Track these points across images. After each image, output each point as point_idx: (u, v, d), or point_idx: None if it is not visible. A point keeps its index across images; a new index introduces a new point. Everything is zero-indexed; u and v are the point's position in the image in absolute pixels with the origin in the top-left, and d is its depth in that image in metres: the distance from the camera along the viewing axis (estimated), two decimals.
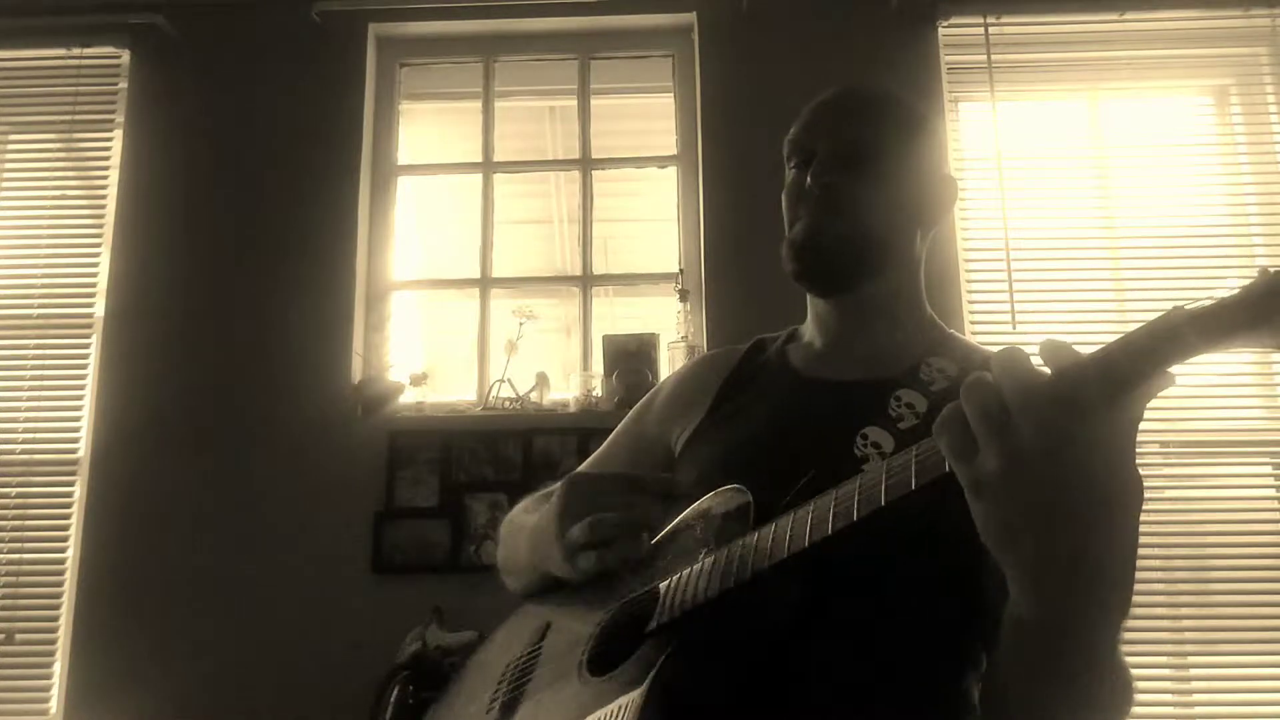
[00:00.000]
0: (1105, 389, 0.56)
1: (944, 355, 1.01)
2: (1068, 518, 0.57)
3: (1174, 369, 0.56)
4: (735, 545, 0.79)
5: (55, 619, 2.60)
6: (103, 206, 2.85)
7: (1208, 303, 0.55)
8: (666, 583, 0.85)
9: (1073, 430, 0.56)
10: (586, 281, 2.91)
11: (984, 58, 2.80)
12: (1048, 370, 0.58)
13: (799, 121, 1.12)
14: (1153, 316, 0.60)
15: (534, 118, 3.38)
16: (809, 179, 1.03)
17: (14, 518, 2.68)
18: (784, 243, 1.06)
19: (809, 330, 1.12)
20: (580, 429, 2.57)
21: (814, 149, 1.06)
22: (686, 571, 0.83)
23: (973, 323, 2.66)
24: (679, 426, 1.10)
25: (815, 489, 0.75)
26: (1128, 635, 2.58)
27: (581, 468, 1.19)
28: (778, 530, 0.76)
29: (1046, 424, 0.56)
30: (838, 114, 1.09)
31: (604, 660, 0.84)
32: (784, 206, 1.09)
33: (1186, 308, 0.57)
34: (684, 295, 2.74)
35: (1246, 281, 0.55)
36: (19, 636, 2.60)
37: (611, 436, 1.21)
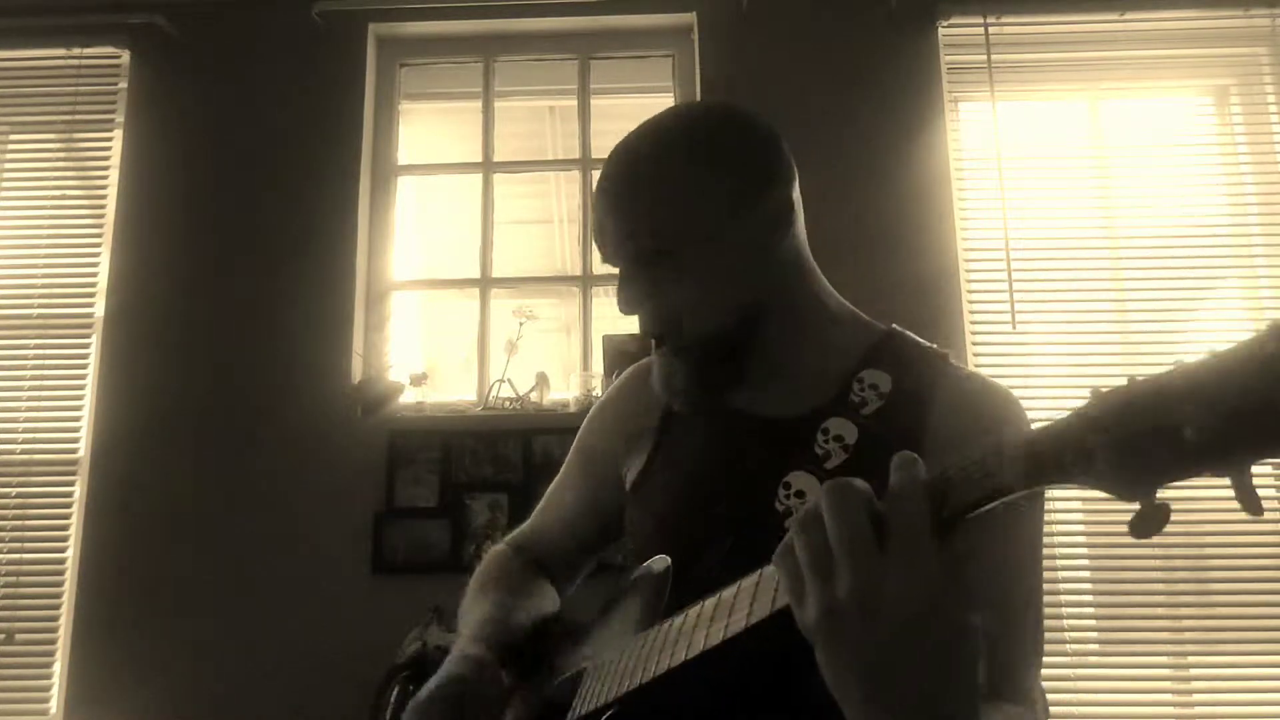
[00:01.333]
0: (926, 532, 0.52)
1: (880, 364, 0.92)
2: (892, 674, 0.52)
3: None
4: (632, 649, 0.78)
5: (55, 619, 2.60)
6: (103, 206, 2.85)
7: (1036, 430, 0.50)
8: (583, 681, 0.88)
9: (895, 589, 0.51)
10: (586, 281, 2.91)
11: (984, 58, 2.80)
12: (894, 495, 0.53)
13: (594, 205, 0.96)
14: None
15: (534, 118, 3.39)
16: (619, 301, 0.93)
17: (14, 518, 2.68)
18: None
19: None
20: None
21: (612, 258, 0.94)
22: (596, 673, 0.84)
23: (973, 323, 2.66)
24: (628, 459, 1.05)
25: (733, 559, 0.72)
26: (1128, 635, 2.58)
27: (538, 508, 1.21)
28: (657, 641, 0.75)
29: (865, 580, 0.51)
30: (608, 201, 0.92)
31: None
32: None
33: (1010, 439, 0.51)
34: None
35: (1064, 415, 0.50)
36: (19, 636, 2.60)
37: (563, 472, 1.17)
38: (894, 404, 0.88)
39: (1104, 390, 0.47)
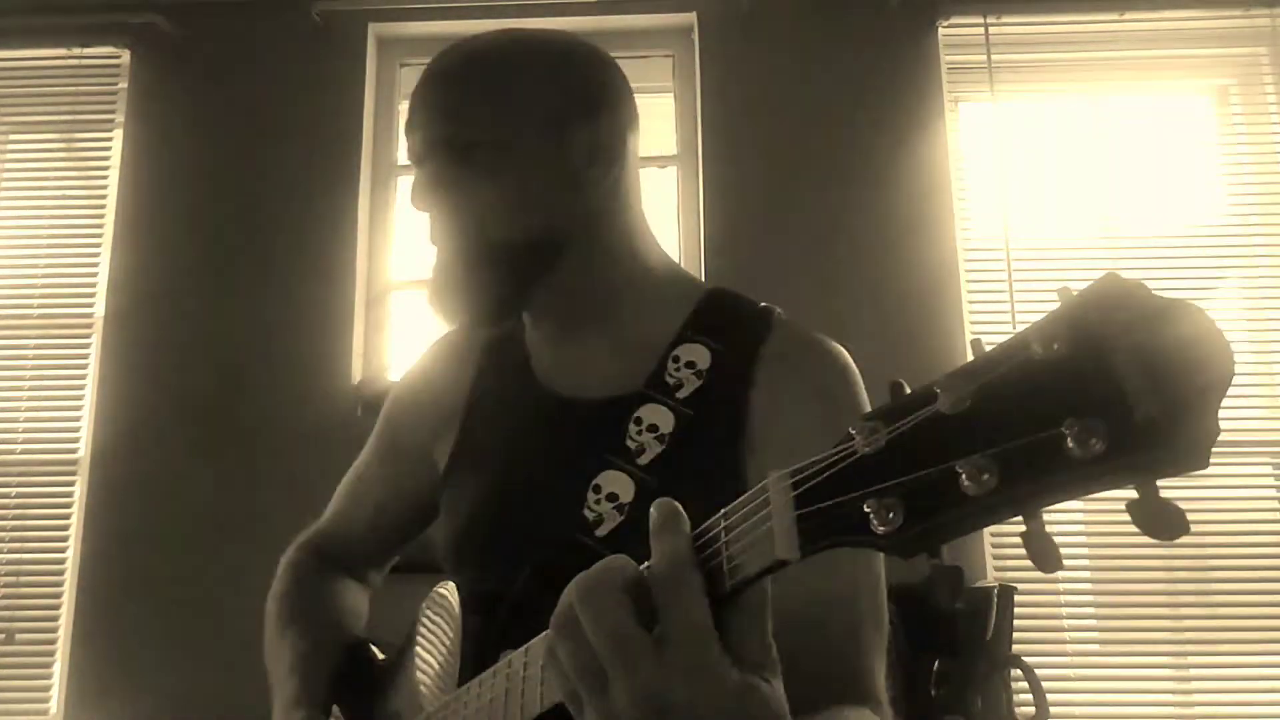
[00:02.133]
0: (702, 623, 0.46)
1: (698, 335, 0.85)
2: None
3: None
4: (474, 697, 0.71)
5: (55, 619, 2.60)
6: (103, 206, 2.85)
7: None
8: None
9: (679, 691, 0.45)
10: None
11: (984, 58, 2.79)
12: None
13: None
14: None
15: None
16: (412, 195, 0.86)
17: (14, 518, 2.67)
18: None
19: (534, 327, 0.95)
20: None
21: (417, 157, 0.87)
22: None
23: (973, 325, 2.66)
24: (439, 442, 0.97)
25: (537, 583, 0.68)
26: (1128, 635, 2.59)
27: (338, 493, 1.11)
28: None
29: (643, 688, 0.46)
30: (420, 103, 0.87)
31: None
32: None
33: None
34: None
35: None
36: (19, 636, 2.60)
37: (366, 453, 1.08)
38: (713, 383, 0.81)
39: (868, 423, 0.41)
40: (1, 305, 2.83)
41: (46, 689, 2.56)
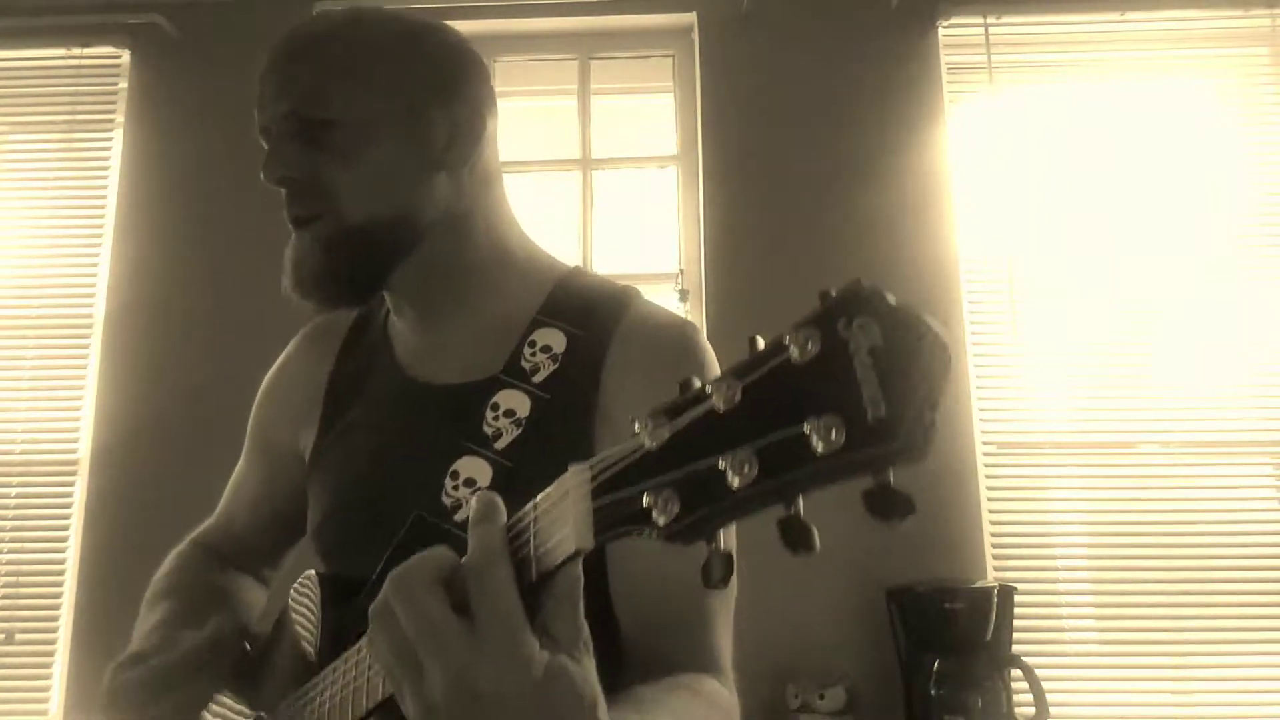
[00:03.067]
0: (512, 608, 0.48)
1: (555, 318, 0.86)
2: None
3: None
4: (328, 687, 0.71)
5: (55, 619, 2.60)
6: (103, 206, 2.85)
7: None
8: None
9: (489, 675, 0.47)
10: None
11: (984, 58, 2.80)
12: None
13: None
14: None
15: (534, 118, 3.38)
16: (262, 173, 0.86)
17: (14, 518, 2.68)
18: None
19: (395, 312, 0.95)
20: None
21: (268, 131, 0.86)
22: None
23: (973, 325, 2.66)
24: (299, 431, 0.98)
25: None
26: (1128, 635, 2.58)
27: (225, 492, 1.13)
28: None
29: (456, 673, 0.48)
30: (271, 77, 0.87)
31: None
32: None
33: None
34: (684, 295, 2.74)
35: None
36: (19, 636, 2.60)
37: (243, 453, 1.09)
38: (568, 366, 0.82)
39: (653, 419, 0.44)
40: (1, 305, 2.83)
41: (46, 689, 2.56)
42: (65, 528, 2.65)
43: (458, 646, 0.48)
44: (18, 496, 2.69)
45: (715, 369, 0.85)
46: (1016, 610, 2.35)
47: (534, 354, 0.83)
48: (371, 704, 0.60)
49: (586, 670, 0.51)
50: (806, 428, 0.38)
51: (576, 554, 0.48)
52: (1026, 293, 2.68)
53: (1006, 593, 2.33)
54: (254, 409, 1.08)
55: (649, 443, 0.44)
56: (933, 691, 2.20)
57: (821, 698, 2.26)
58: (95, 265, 2.82)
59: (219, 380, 2.69)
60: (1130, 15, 2.80)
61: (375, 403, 0.92)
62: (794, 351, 0.39)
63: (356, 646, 0.65)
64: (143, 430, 2.65)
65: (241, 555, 1.10)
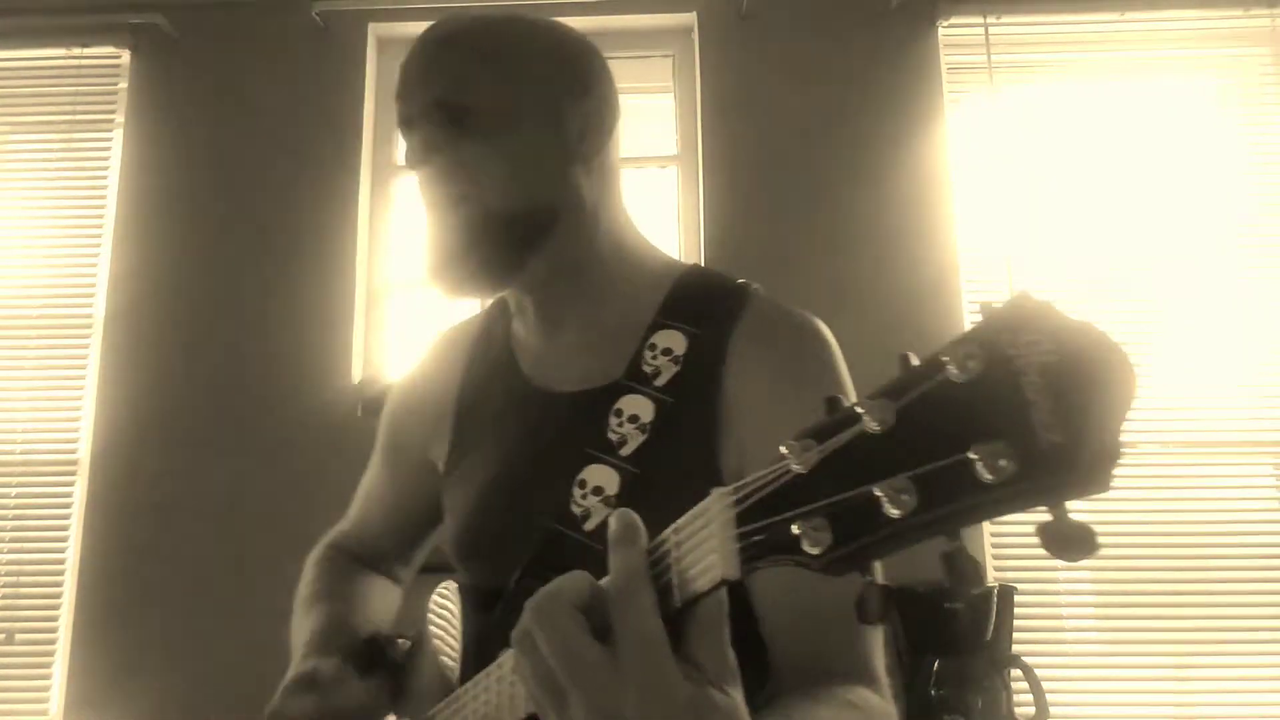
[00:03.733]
0: (655, 637, 0.46)
1: (674, 320, 0.85)
2: None
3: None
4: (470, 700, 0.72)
5: (55, 619, 2.60)
6: (103, 206, 2.85)
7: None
8: None
9: (634, 704, 0.45)
10: None
11: (984, 58, 2.80)
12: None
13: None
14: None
15: None
16: (405, 162, 0.86)
17: (14, 518, 2.67)
18: None
19: (515, 313, 0.96)
20: None
21: (409, 120, 0.87)
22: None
23: (973, 323, 2.66)
24: (432, 441, 0.99)
25: (531, 580, 0.69)
26: (1128, 635, 2.58)
27: (356, 496, 1.14)
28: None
29: (599, 702, 0.46)
30: (416, 68, 0.88)
31: None
32: None
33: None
34: None
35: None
36: (19, 636, 2.60)
37: (373, 460, 1.11)
38: (689, 369, 0.82)
39: (800, 441, 0.41)
40: (1, 305, 2.83)
41: (46, 689, 2.56)
42: (65, 528, 2.65)
43: (600, 675, 0.46)
44: (18, 496, 2.69)
45: (841, 365, 0.84)
46: (1016, 610, 2.35)
47: (655, 357, 0.83)
48: (516, 717, 0.59)
49: (735, 702, 0.49)
50: (972, 454, 0.34)
51: (722, 583, 0.46)
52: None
53: (1006, 593, 2.33)
54: (384, 418, 1.09)
55: (797, 466, 0.41)
56: (933, 692, 2.20)
57: None
58: (95, 265, 2.82)
59: (219, 380, 2.69)
60: (1130, 15, 2.80)
61: (501, 413, 0.92)
62: (953, 370, 0.36)
63: (497, 663, 0.64)
64: (143, 430, 2.65)
65: (375, 556, 1.12)
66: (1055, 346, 0.34)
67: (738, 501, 0.45)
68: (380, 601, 1.06)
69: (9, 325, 2.80)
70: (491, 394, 0.95)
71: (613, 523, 0.50)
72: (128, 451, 2.64)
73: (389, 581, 1.11)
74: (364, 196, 2.83)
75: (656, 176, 3.00)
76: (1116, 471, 0.33)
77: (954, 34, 2.83)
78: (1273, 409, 2.63)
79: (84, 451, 2.70)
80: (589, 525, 0.78)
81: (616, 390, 0.83)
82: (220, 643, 2.51)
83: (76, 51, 2.92)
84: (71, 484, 2.68)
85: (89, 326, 2.78)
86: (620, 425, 0.81)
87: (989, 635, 2.28)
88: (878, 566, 0.41)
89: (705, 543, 0.46)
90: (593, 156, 0.88)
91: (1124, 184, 2.78)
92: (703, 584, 0.47)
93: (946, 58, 2.82)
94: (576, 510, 0.79)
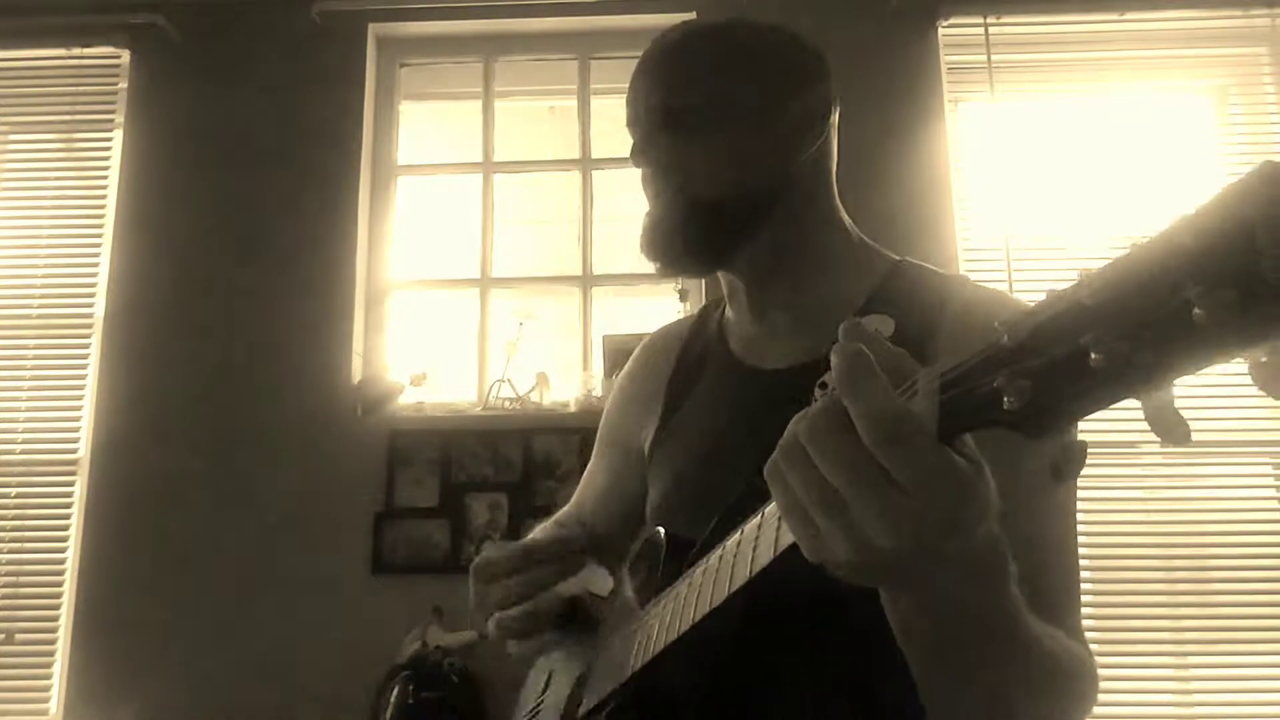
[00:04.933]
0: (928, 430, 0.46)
1: (884, 305, 0.89)
2: (950, 580, 0.52)
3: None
4: (671, 595, 0.76)
5: (55, 619, 2.60)
6: (103, 206, 2.85)
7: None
8: (637, 631, 0.85)
9: (921, 494, 0.46)
10: (586, 281, 2.91)
11: (984, 58, 2.80)
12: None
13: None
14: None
15: (534, 118, 3.38)
16: (632, 160, 0.95)
17: (14, 518, 2.68)
18: None
19: (728, 300, 1.02)
20: (580, 429, 2.57)
21: (636, 122, 0.95)
22: (639, 626, 0.82)
23: None
24: (644, 426, 1.05)
25: (724, 527, 0.69)
26: (1128, 635, 2.57)
27: (577, 489, 1.18)
28: (701, 580, 0.72)
29: (886, 500, 0.46)
30: (642, 73, 0.96)
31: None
32: None
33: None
34: (684, 295, 2.74)
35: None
36: (19, 636, 2.60)
37: (594, 453, 1.17)
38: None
39: (1014, 319, 0.42)
40: (1, 305, 2.83)
41: (46, 689, 2.56)
42: (65, 528, 2.65)
43: (869, 471, 0.46)
44: (18, 496, 2.69)
45: None
46: None
47: None
48: (760, 565, 0.59)
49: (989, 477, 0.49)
50: (1189, 296, 0.34)
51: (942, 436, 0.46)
52: (1026, 293, 2.68)
53: None
54: (604, 413, 1.16)
55: (1005, 339, 0.42)
56: None
57: None
58: (95, 265, 2.82)
59: (218, 380, 2.69)
60: (1130, 15, 2.80)
61: (711, 390, 0.98)
62: (1188, 240, 0.36)
63: (705, 559, 0.68)
64: (143, 430, 2.65)
65: (590, 541, 1.12)
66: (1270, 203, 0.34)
67: (945, 372, 0.45)
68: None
69: (9, 325, 2.80)
70: (702, 375, 1.01)
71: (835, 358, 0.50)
72: (128, 451, 2.64)
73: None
74: (364, 197, 2.83)
75: None
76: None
77: (954, 34, 2.83)
78: (1273, 409, 2.63)
79: (84, 451, 2.70)
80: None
81: (824, 365, 0.85)
82: (220, 642, 2.51)
83: (76, 51, 2.92)
84: (71, 484, 2.68)
85: (89, 326, 2.78)
86: (823, 396, 0.84)
87: None
88: (1075, 429, 0.41)
89: (914, 410, 0.47)
90: (807, 149, 0.93)
91: (1123, 184, 2.78)
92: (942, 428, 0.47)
93: (946, 58, 2.83)
94: None
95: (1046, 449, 0.42)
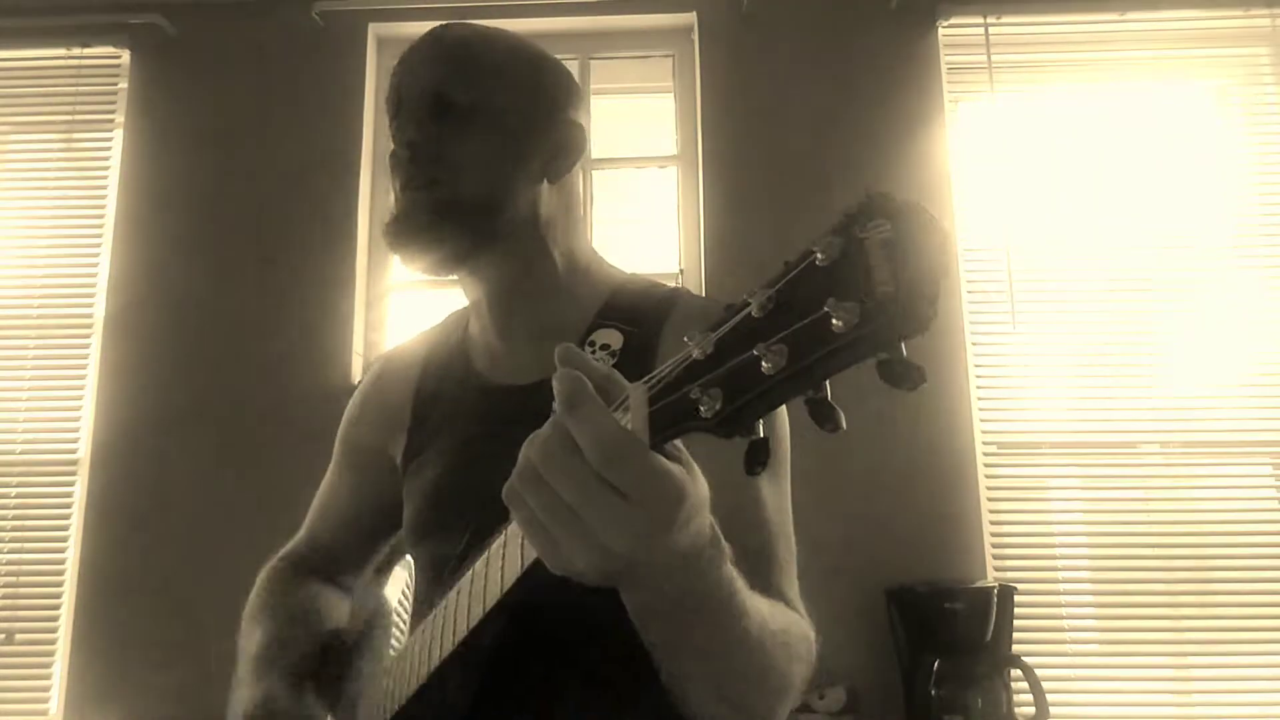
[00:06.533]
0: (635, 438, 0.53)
1: (612, 319, 0.94)
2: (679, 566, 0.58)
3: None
4: (429, 621, 0.80)
5: (55, 619, 2.60)
6: (103, 206, 2.85)
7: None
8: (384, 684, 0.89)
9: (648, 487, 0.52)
10: None
11: (984, 58, 2.80)
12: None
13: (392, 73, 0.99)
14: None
15: None
16: (392, 138, 0.94)
17: (14, 518, 2.68)
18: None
19: (471, 317, 1.04)
20: None
21: (400, 100, 0.95)
22: (401, 658, 0.86)
23: (972, 323, 2.66)
24: (393, 439, 1.06)
25: (479, 540, 0.73)
26: (1128, 635, 2.58)
27: (310, 513, 1.20)
28: (453, 609, 0.76)
29: (616, 507, 0.52)
30: (420, 60, 0.96)
31: None
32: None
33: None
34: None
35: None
36: (19, 636, 2.60)
37: (330, 473, 1.18)
38: (624, 361, 0.89)
39: (700, 334, 0.50)
40: (1, 305, 2.83)
41: (46, 689, 2.56)
42: (65, 528, 2.65)
43: (596, 486, 0.52)
44: (18, 496, 2.69)
45: None
46: (1016, 610, 2.35)
47: (594, 352, 0.91)
48: (509, 580, 0.65)
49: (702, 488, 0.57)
50: (827, 307, 0.42)
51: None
52: (1026, 293, 2.68)
53: (1006, 593, 2.33)
54: (341, 431, 1.15)
55: (696, 352, 0.49)
56: (933, 691, 2.20)
57: (821, 697, 2.27)
58: (95, 265, 2.82)
59: (218, 380, 2.69)
60: (1130, 15, 2.80)
61: (458, 406, 0.99)
62: (819, 256, 0.44)
63: (469, 569, 0.71)
64: (143, 430, 2.65)
65: (328, 565, 1.16)
66: (892, 225, 0.42)
67: (650, 386, 0.52)
68: (326, 607, 1.10)
69: (9, 325, 2.80)
70: (447, 391, 1.02)
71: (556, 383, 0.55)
72: (128, 451, 2.64)
73: (335, 589, 1.15)
74: (364, 196, 2.83)
75: (656, 176, 3.00)
76: (935, 314, 0.40)
77: (954, 34, 2.83)
78: (1273, 409, 2.63)
79: (84, 451, 2.70)
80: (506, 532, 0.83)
81: None
82: (220, 642, 2.50)
83: (76, 51, 2.92)
84: (71, 484, 2.68)
85: (89, 326, 2.78)
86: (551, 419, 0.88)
87: (989, 635, 2.28)
88: (760, 426, 0.48)
89: (628, 423, 0.53)
90: (559, 176, 0.97)
91: (1123, 184, 2.78)
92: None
93: (946, 58, 2.83)
94: None
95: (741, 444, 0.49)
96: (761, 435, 0.48)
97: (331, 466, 1.17)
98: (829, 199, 2.70)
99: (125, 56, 2.91)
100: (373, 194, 2.89)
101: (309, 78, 2.87)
